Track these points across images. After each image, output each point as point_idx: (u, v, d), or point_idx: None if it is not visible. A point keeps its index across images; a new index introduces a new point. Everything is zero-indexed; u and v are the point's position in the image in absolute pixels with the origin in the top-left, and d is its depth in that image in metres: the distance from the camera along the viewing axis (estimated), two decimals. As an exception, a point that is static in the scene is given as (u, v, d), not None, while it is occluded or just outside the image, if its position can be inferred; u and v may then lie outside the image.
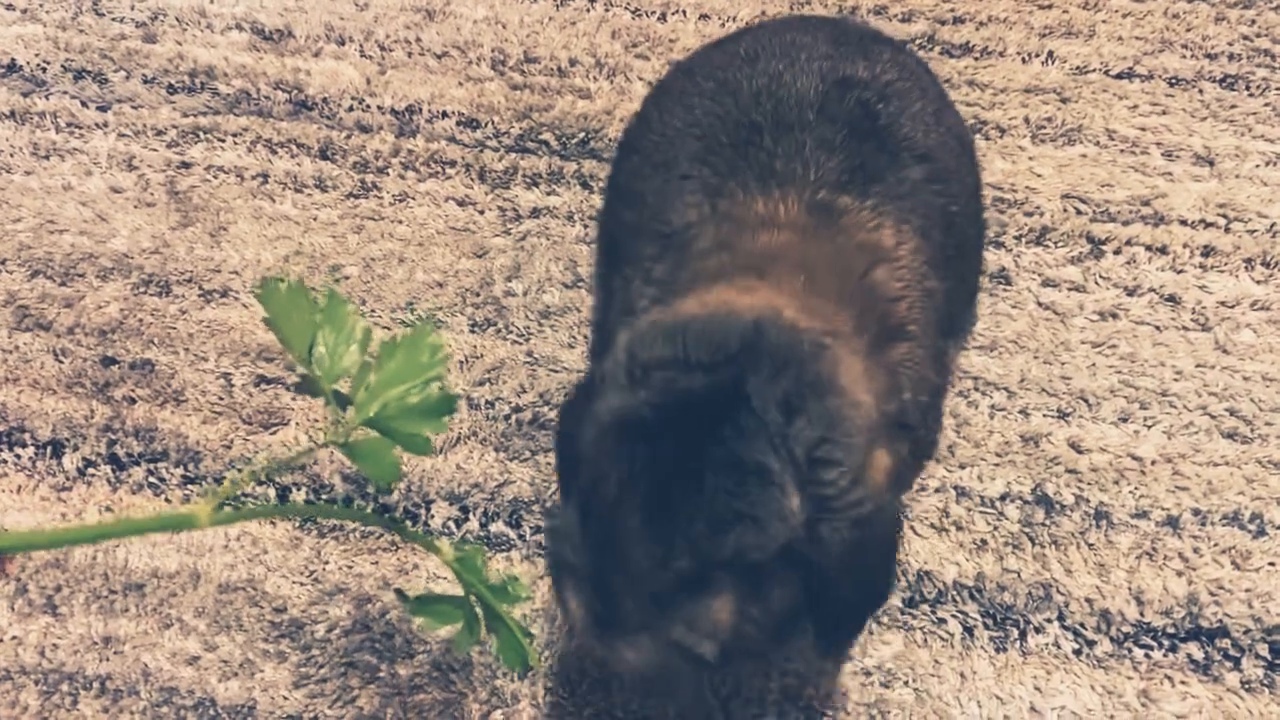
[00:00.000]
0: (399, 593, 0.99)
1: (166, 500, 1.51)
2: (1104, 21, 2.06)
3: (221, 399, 1.60)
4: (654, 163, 1.35)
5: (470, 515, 1.48)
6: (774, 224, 1.18)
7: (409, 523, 1.47)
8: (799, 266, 1.14)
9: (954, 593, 1.41)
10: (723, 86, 1.34)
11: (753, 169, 1.23)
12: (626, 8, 2.12)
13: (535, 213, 1.81)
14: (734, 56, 1.38)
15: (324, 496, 1.49)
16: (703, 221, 1.23)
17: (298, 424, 1.57)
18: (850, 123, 1.25)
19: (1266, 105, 1.91)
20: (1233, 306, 1.66)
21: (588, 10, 2.12)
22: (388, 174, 1.87)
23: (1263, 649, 1.36)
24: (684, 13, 2.11)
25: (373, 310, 1.69)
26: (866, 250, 1.19)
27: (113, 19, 2.14)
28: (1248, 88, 1.94)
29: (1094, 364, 1.60)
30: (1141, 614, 1.39)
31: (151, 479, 1.53)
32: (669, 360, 1.01)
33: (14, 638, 1.40)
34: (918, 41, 2.04)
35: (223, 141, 1.93)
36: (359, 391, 0.79)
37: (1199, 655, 1.36)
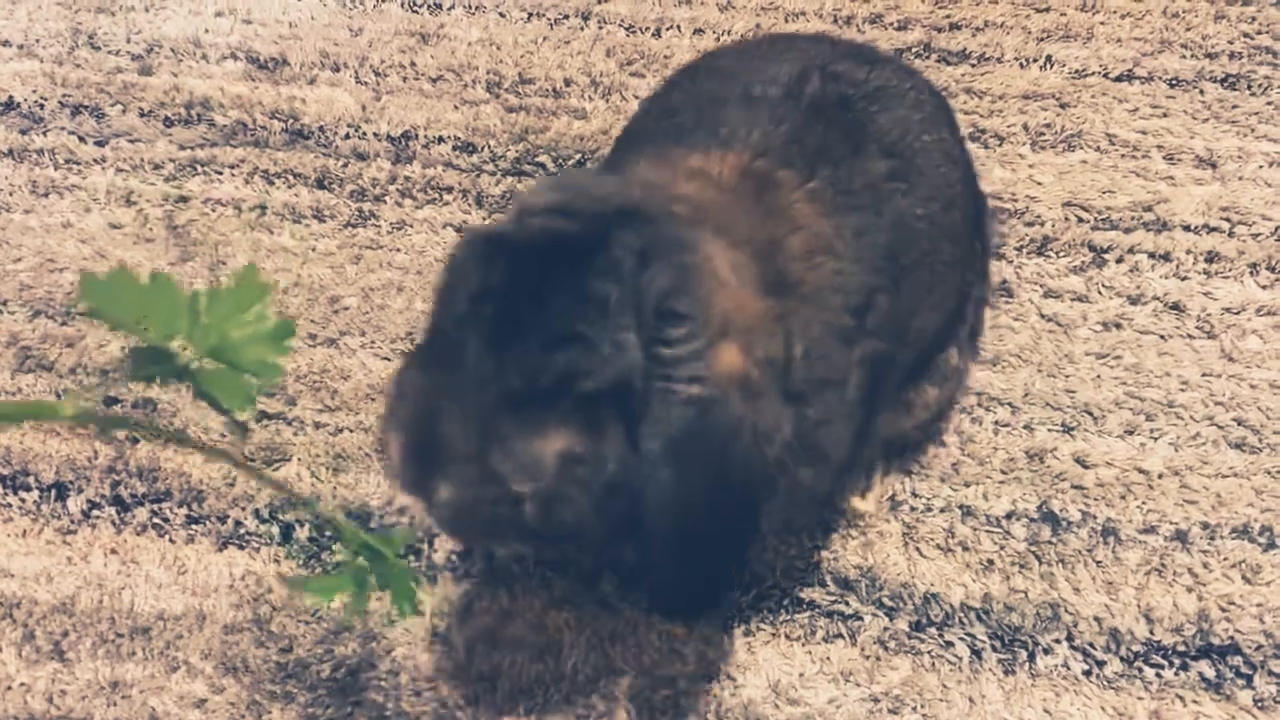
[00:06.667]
0: (282, 578, 0.96)
1: (170, 541, 1.51)
2: (1102, 23, 2.04)
3: (223, 436, 1.60)
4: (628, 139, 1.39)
5: (473, 551, 1.48)
6: (703, 176, 1.19)
7: (411, 558, 1.47)
8: (710, 215, 1.13)
9: (961, 615, 1.40)
10: (709, 73, 1.37)
11: (700, 134, 1.26)
12: (621, 25, 2.11)
13: (533, 237, 1.80)
14: (732, 53, 1.41)
15: (326, 534, 1.49)
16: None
17: (299, 459, 1.57)
18: (816, 105, 1.26)
19: (1269, 104, 1.89)
20: (1238, 313, 1.64)
21: (582, 29, 2.11)
22: (385, 201, 1.87)
23: (1275, 665, 1.34)
24: (679, 28, 2.10)
25: (372, 341, 1.69)
26: (786, 221, 1.17)
27: (108, 52, 2.15)
28: (1249, 87, 1.92)
29: (1098, 376, 1.59)
30: (1151, 632, 1.37)
31: (155, 519, 1.53)
32: (553, 205, 1.03)
33: (22, 684, 1.40)
34: (914, 50, 2.02)
35: (220, 174, 1.93)
36: (192, 333, 0.78)
37: (1210, 673, 1.34)
